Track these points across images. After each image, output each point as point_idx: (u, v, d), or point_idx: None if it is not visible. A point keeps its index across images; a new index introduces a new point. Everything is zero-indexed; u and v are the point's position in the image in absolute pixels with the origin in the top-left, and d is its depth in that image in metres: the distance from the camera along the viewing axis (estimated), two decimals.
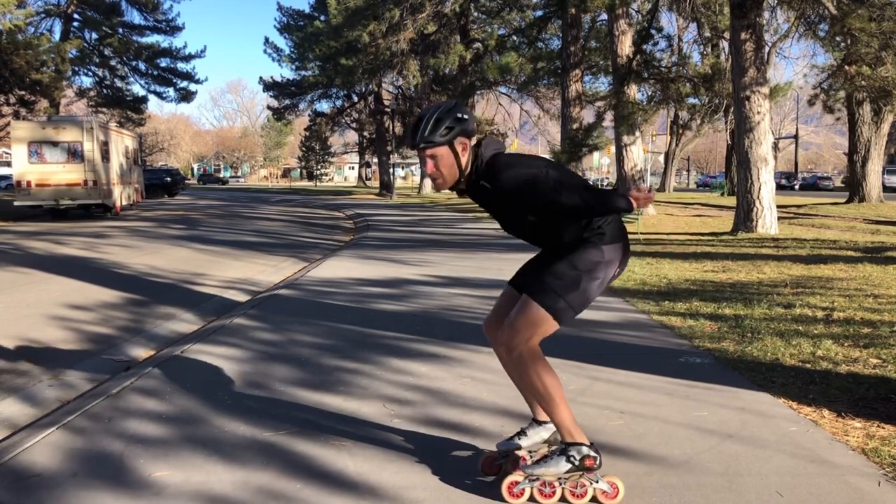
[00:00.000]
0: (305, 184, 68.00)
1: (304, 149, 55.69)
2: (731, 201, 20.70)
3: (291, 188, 57.14)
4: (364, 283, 7.27)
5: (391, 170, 38.34)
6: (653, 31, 18.17)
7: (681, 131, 38.36)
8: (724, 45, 19.35)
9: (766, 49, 17.00)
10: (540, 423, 2.61)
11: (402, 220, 18.21)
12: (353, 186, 61.94)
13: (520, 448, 2.56)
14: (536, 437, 2.59)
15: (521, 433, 2.60)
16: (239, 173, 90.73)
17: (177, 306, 6.55)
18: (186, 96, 38.50)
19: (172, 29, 37.41)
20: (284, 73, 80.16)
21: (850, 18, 11.55)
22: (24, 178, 18.47)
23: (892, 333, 4.66)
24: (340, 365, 4.12)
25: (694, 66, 19.05)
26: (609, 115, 18.78)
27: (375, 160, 49.07)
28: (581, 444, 2.40)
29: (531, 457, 2.51)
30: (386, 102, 39.96)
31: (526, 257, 2.75)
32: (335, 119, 43.92)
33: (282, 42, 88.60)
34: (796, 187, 44.52)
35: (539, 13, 24.17)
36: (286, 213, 23.65)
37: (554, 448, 2.49)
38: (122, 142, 22.37)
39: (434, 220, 17.81)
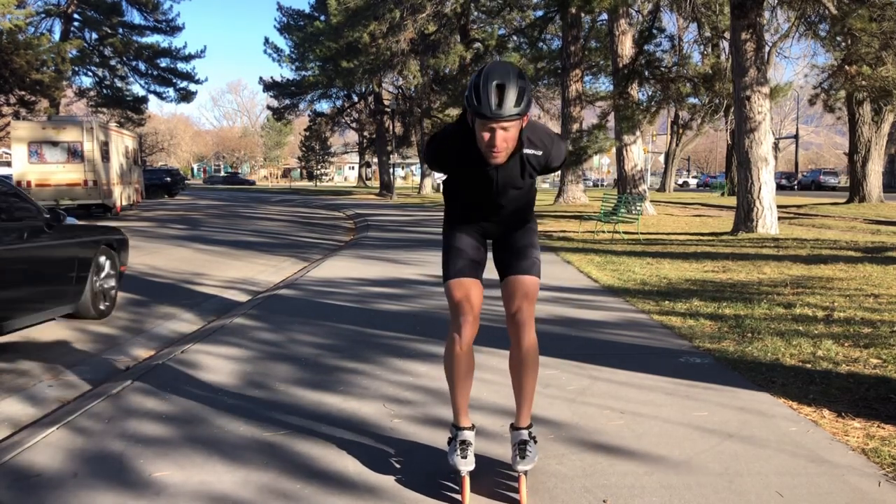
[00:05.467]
0: (305, 184, 67.99)
1: (304, 149, 55.70)
2: (732, 201, 20.70)
3: (291, 188, 57.15)
4: (364, 283, 7.27)
5: (391, 170, 38.32)
6: (654, 31, 18.16)
7: (681, 131, 38.35)
8: (725, 45, 19.36)
9: (767, 49, 16.98)
10: (518, 428, 2.51)
11: (402, 220, 18.21)
12: (353, 186, 61.95)
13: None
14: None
15: (523, 452, 2.42)
16: (239, 173, 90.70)
17: (177, 306, 6.55)
18: (186, 96, 38.56)
19: (172, 29, 37.48)
20: (284, 73, 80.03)
21: (851, 18, 11.56)
22: (25, 178, 18.46)
23: (892, 333, 4.65)
24: (340, 365, 4.12)
25: (694, 66, 19.03)
26: (609, 116, 18.79)
27: (375, 160, 49.07)
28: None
29: (518, 453, 2.42)
30: (386, 102, 39.92)
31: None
32: (335, 119, 43.92)
33: (282, 42, 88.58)
34: (795, 187, 44.51)
35: (539, 13, 24.18)
36: (286, 213, 23.65)
37: (526, 438, 2.47)
38: (122, 142, 22.36)
39: (434, 220, 17.79)
